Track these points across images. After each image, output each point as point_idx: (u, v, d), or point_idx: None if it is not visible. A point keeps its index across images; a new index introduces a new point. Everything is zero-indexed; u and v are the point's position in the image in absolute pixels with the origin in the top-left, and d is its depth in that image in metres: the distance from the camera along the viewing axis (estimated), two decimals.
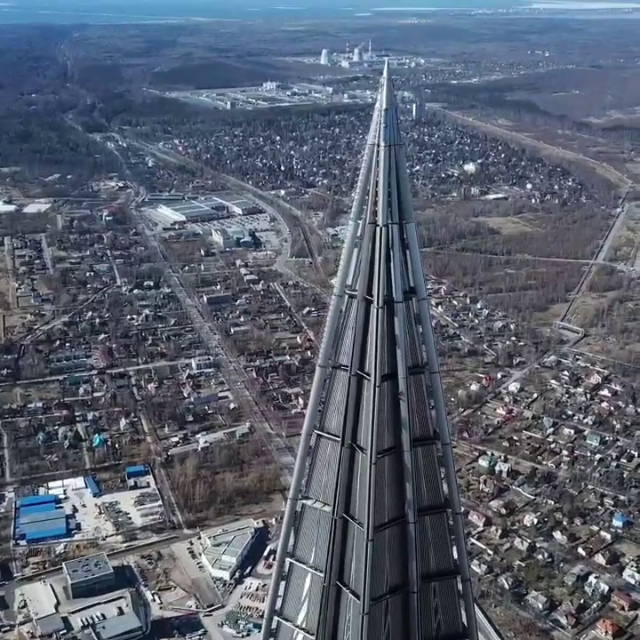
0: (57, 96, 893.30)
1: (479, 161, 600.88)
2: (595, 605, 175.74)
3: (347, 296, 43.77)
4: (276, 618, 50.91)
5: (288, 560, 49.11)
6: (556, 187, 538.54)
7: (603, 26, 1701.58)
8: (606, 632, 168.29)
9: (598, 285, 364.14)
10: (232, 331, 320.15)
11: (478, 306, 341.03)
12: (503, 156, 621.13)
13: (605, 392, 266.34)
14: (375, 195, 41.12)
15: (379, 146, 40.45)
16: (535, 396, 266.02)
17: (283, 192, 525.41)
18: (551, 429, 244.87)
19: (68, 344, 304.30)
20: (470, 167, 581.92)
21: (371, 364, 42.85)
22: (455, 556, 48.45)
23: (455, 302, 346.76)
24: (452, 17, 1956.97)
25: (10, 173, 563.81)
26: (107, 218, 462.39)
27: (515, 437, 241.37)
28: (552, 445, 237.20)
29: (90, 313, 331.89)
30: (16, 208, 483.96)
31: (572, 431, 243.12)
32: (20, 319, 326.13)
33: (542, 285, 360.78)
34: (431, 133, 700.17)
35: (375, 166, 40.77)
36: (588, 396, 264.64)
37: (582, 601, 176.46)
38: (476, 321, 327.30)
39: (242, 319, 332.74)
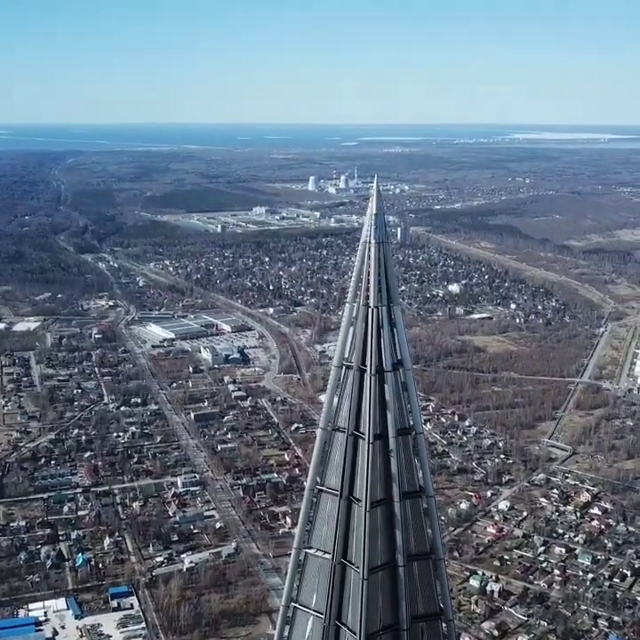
0: (50, 218, 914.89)
1: (463, 282, 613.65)
2: None
3: (344, 367, 51.83)
4: None
5: (292, 605, 54.34)
6: (539, 307, 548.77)
7: (580, 154, 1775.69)
8: None
9: (585, 403, 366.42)
10: (219, 448, 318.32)
11: (466, 423, 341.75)
12: (487, 277, 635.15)
13: (595, 510, 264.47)
14: (368, 282, 49.59)
15: (370, 243, 49.09)
16: (525, 514, 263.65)
17: (271, 310, 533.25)
18: (542, 548, 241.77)
19: (53, 462, 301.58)
20: (454, 288, 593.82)
21: (365, 425, 50.13)
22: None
23: (443, 419, 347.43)
24: (434, 146, 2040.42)
25: (1, 292, 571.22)
26: (96, 335, 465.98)
27: (505, 556, 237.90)
28: (543, 564, 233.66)
29: (76, 430, 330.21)
30: (5, 326, 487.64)
31: (564, 550, 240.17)
32: (6, 436, 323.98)
33: (529, 403, 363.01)
34: (416, 255, 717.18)
35: (367, 259, 49.42)
36: (578, 514, 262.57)
37: None
38: (465, 438, 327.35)
39: (229, 436, 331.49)
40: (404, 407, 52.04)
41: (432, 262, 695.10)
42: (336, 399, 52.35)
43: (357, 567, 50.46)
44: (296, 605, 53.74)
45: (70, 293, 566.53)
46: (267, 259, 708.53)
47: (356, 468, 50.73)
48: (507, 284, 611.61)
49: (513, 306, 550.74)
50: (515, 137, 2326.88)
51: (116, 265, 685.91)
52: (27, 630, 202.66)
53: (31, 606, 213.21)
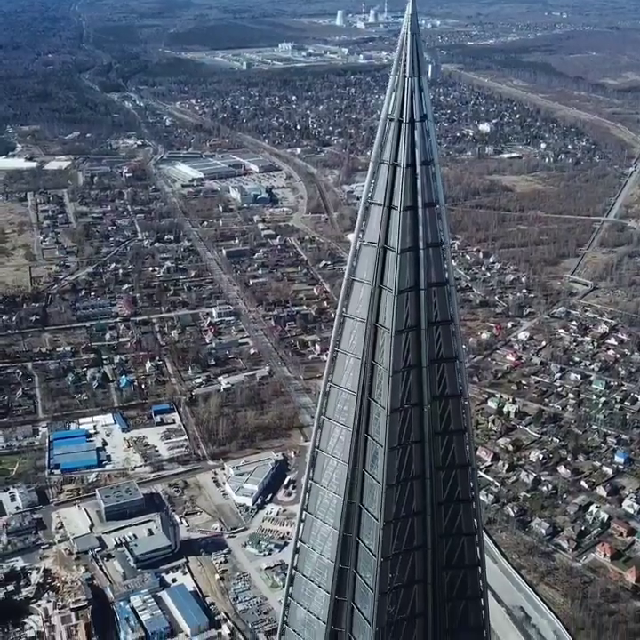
0: (73, 56, 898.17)
1: (494, 121, 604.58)
2: (595, 531, 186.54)
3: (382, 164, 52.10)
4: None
5: (318, 452, 50.82)
6: (569, 146, 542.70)
7: None
8: (605, 555, 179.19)
9: (609, 241, 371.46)
10: (251, 282, 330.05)
11: (491, 260, 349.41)
12: (518, 116, 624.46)
13: (612, 340, 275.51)
14: (404, 56, 54.49)
15: (406, 34, 55.82)
16: (544, 344, 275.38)
17: (299, 150, 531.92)
18: (558, 375, 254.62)
19: (92, 293, 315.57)
20: (485, 127, 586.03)
21: (394, 238, 51.46)
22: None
23: (468, 257, 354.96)
24: None
25: (30, 131, 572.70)
26: (126, 174, 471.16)
27: (523, 382, 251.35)
28: (559, 389, 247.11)
29: (113, 264, 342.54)
30: (37, 165, 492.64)
31: (579, 376, 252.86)
32: (46, 270, 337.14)
33: (554, 241, 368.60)
34: (446, 93, 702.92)
35: (404, 51, 54.81)
36: (595, 344, 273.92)
37: (583, 528, 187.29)
38: (488, 274, 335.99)
39: (260, 272, 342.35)
40: (435, 221, 51.10)
41: (463, 101, 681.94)
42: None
43: (385, 367, 49.54)
44: (320, 451, 50.04)
45: (98, 132, 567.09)
46: (293, 97, 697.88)
47: (382, 294, 49.88)
48: (538, 124, 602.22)
49: (543, 145, 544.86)
50: None
51: (142, 104, 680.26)
52: (79, 441, 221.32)
53: (81, 421, 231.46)
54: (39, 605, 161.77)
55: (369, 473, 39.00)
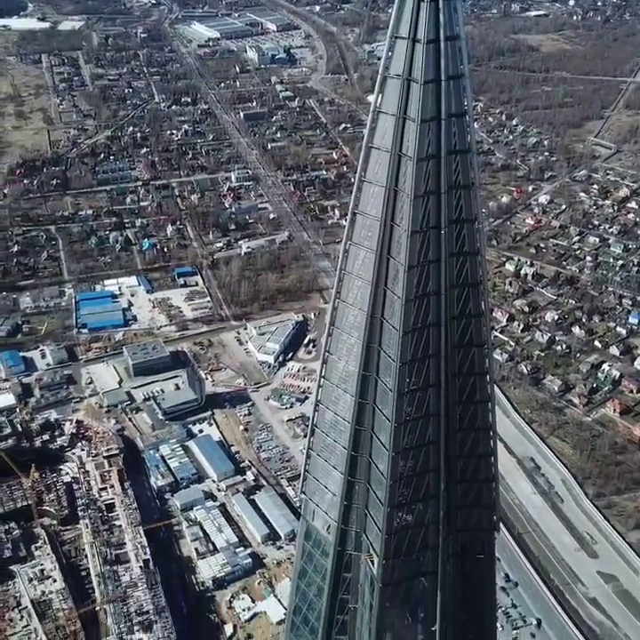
0: None
1: None
2: (606, 388, 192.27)
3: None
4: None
5: (345, 273, 49.51)
6: (599, 3, 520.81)
7: None
8: (615, 410, 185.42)
9: (634, 103, 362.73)
10: (269, 146, 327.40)
11: (514, 122, 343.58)
12: None
13: (633, 204, 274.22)
14: None
15: None
16: (564, 207, 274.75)
17: (317, 8, 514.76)
18: (577, 238, 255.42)
19: (112, 157, 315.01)
20: None
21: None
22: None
23: (491, 119, 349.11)
24: None
25: None
26: (141, 35, 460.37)
27: (541, 245, 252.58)
28: (577, 252, 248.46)
29: (131, 128, 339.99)
30: (50, 25, 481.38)
31: (597, 239, 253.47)
32: (65, 133, 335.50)
33: (578, 103, 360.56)
34: None
35: None
36: (616, 207, 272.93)
37: (594, 385, 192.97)
38: (511, 137, 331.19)
39: (278, 135, 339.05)
40: (456, 55, 47.87)
41: None
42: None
43: (407, 193, 47.82)
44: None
45: None
46: None
47: (405, 122, 47.34)
48: None
49: (571, 2, 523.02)
50: None
51: None
52: (105, 301, 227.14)
53: (106, 283, 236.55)
54: (73, 453, 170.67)
55: (390, 290, 42.28)
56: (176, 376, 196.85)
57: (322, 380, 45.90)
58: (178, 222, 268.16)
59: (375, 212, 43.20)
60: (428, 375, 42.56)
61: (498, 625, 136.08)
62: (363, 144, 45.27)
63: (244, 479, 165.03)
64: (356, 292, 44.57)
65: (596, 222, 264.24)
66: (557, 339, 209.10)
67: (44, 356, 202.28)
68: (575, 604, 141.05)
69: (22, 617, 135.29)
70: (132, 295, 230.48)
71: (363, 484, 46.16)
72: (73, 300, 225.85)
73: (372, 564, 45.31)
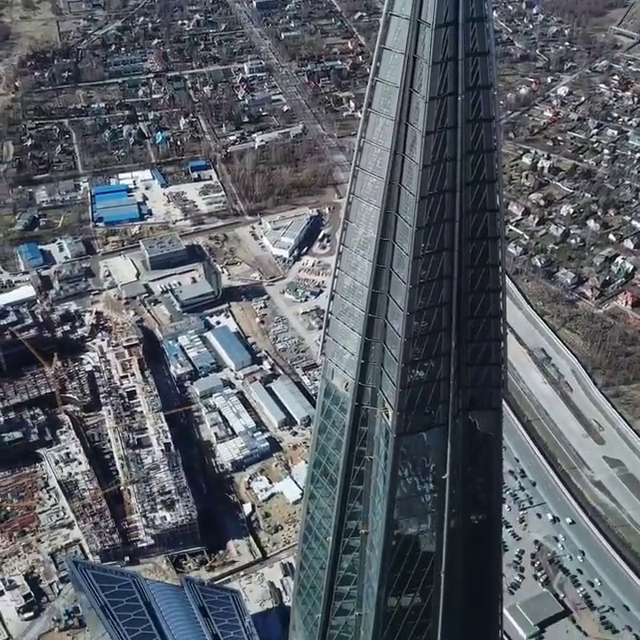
0: None
1: None
2: (619, 281, 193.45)
3: None
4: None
5: (364, 142, 48.95)
6: None
7: None
8: (626, 303, 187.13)
9: None
10: (282, 36, 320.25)
11: (534, 11, 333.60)
12: None
13: None
14: None
15: None
16: (583, 99, 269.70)
17: None
18: (595, 130, 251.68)
19: (123, 49, 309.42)
20: None
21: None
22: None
23: (510, 7, 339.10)
24: None
25: None
26: None
27: (559, 137, 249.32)
28: (595, 145, 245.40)
29: (141, 18, 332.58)
30: None
31: (616, 132, 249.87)
32: (74, 24, 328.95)
33: None
34: None
35: None
36: (636, 99, 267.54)
37: (608, 278, 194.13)
38: (531, 26, 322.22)
39: (292, 24, 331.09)
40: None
41: None
42: None
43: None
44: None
45: None
46: None
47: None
48: None
49: None
50: None
51: None
52: (120, 195, 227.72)
53: (121, 176, 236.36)
54: (94, 343, 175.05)
55: (408, 156, 43.32)
56: (192, 269, 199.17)
57: (341, 246, 47.75)
58: (190, 115, 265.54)
59: (394, 78, 43.81)
60: (443, 240, 44.25)
61: (505, 506, 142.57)
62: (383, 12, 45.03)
63: (261, 368, 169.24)
64: (375, 159, 45.77)
65: (615, 114, 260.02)
66: (572, 232, 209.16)
67: (61, 250, 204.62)
68: (580, 487, 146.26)
69: (50, 496, 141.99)
70: (147, 189, 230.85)
71: (379, 344, 48.68)
72: (88, 194, 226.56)
73: (387, 417, 48.29)
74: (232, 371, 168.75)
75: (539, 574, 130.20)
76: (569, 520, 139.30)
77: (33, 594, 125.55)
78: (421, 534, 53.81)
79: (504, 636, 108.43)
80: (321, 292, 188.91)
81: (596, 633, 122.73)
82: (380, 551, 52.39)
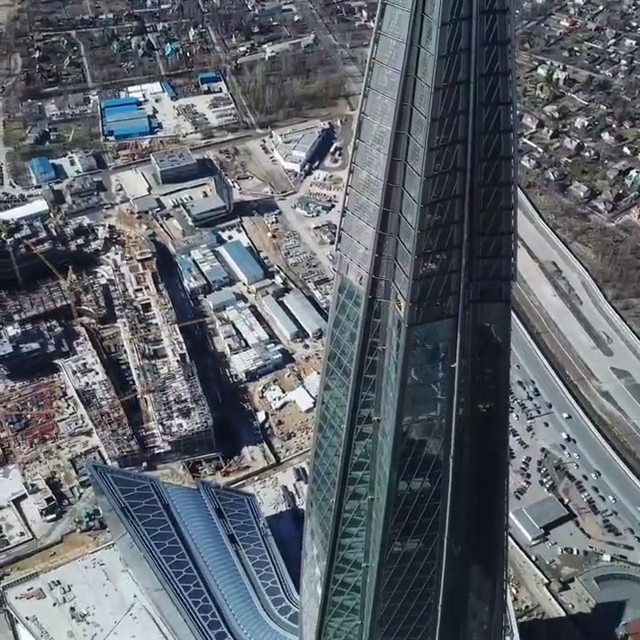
0: None
1: None
2: (632, 195, 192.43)
3: None
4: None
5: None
6: None
7: None
8: (639, 216, 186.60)
9: None
10: None
11: None
12: None
13: None
14: None
15: None
16: (601, 8, 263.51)
17: None
18: (613, 40, 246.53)
19: None
20: None
21: None
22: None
23: None
24: None
25: None
26: None
27: (575, 48, 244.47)
28: (612, 56, 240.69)
29: None
30: None
31: (634, 42, 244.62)
32: None
33: None
34: None
35: None
36: None
37: (621, 191, 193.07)
38: None
39: None
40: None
41: None
42: None
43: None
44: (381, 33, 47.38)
45: None
46: None
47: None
48: None
49: None
50: None
51: None
52: (130, 108, 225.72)
53: (130, 89, 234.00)
54: (108, 257, 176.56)
55: (424, 47, 43.46)
56: (203, 184, 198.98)
57: (357, 141, 48.38)
58: (200, 25, 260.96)
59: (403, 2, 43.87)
60: (457, 132, 44.83)
61: (513, 415, 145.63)
62: None
63: (273, 282, 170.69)
64: (391, 51, 46.00)
65: (634, 24, 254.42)
66: (586, 145, 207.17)
67: (73, 164, 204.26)
68: (588, 397, 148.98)
69: (69, 405, 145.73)
70: (157, 102, 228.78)
71: (393, 238, 49.69)
72: (98, 108, 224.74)
73: (400, 309, 49.84)
74: (245, 285, 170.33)
75: (544, 480, 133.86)
76: (575, 429, 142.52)
77: (54, 497, 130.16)
78: (431, 421, 56.15)
79: (510, 538, 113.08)
80: (333, 206, 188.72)
81: (599, 536, 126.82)
82: (392, 437, 54.79)
